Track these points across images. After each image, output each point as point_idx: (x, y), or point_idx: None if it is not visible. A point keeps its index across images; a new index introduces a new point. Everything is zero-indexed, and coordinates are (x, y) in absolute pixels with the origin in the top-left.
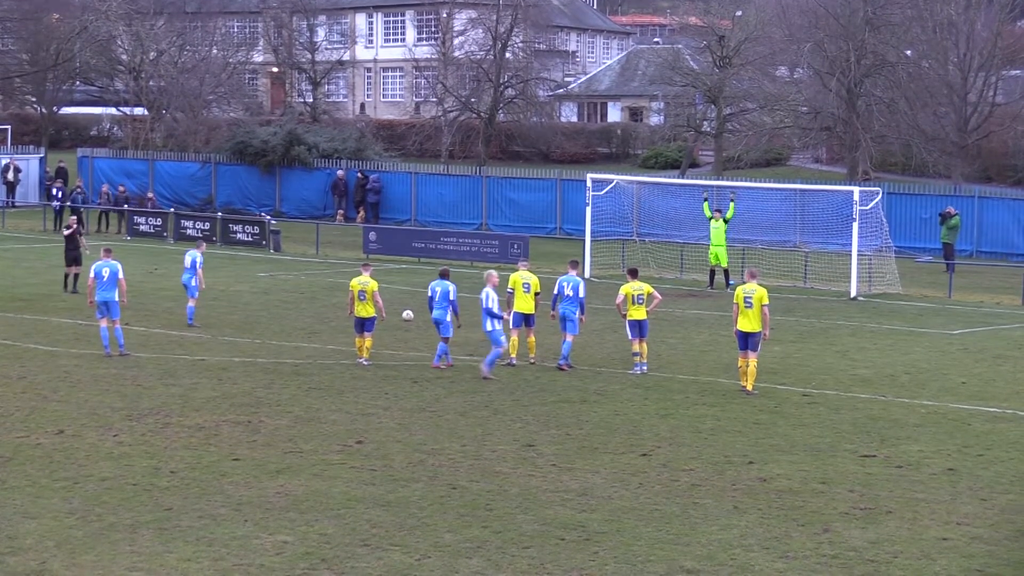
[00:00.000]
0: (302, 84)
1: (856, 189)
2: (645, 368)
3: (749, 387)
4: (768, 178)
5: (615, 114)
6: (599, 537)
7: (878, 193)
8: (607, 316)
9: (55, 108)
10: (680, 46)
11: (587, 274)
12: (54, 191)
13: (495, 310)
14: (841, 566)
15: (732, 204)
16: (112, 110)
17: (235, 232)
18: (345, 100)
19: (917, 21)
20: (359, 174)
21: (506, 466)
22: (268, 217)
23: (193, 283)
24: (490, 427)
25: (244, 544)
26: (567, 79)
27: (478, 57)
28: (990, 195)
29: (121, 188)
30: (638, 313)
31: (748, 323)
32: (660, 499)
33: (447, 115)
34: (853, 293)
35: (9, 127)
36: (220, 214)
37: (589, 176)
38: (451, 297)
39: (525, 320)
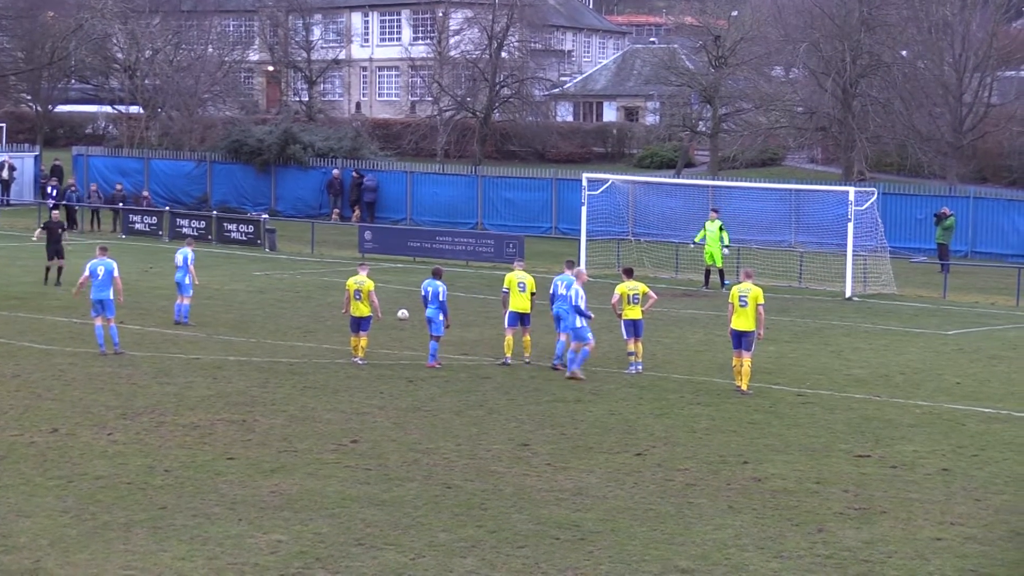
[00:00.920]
0: (298, 83)
1: (851, 189)
2: (640, 368)
3: (744, 387)
4: (763, 178)
5: (611, 114)
6: (594, 536)
7: (873, 193)
8: (602, 316)
9: (50, 106)
10: (676, 46)
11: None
12: (48, 189)
13: (584, 308)
14: (835, 566)
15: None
16: (107, 108)
17: (230, 231)
18: (341, 99)
19: (913, 21)
20: (354, 173)
21: (501, 465)
22: (263, 216)
23: (187, 280)
24: (485, 426)
25: (238, 543)
26: (563, 79)
27: (474, 56)
28: (985, 196)
29: (118, 186)
30: (633, 313)
31: (743, 322)
32: (655, 499)
33: (443, 114)
34: (848, 293)
35: (4, 125)
36: (215, 213)
37: (585, 176)
38: (441, 298)
39: (520, 319)
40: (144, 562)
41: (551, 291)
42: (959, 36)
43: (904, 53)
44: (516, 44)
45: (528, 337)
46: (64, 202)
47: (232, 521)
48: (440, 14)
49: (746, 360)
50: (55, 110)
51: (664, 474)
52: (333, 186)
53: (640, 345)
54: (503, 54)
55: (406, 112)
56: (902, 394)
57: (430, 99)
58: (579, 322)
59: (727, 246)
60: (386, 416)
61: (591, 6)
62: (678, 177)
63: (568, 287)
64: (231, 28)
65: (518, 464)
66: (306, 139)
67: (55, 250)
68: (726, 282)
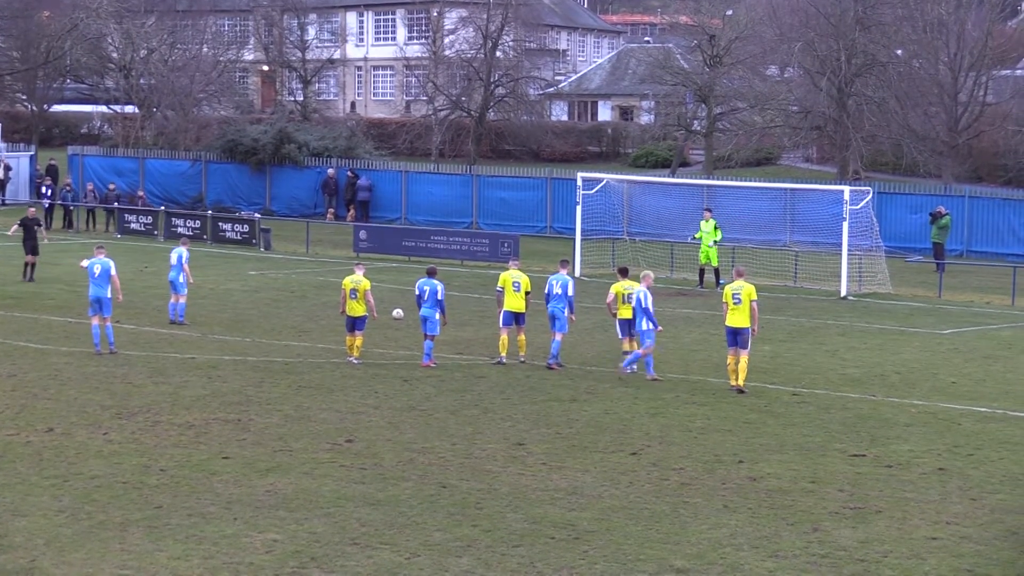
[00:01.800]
0: (292, 82)
1: (846, 188)
2: (635, 367)
3: (741, 384)
4: (758, 178)
5: (605, 113)
6: (589, 536)
7: (868, 192)
8: (597, 315)
9: (45, 106)
10: (671, 45)
11: (577, 273)
12: (43, 189)
13: (652, 310)
14: (831, 565)
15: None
16: (103, 108)
17: (225, 230)
18: (336, 99)
19: (908, 21)
20: (349, 173)
21: (496, 465)
22: (257, 215)
23: (181, 279)
24: (480, 426)
25: (234, 542)
26: (557, 78)
27: (469, 56)
28: (980, 195)
29: (111, 186)
30: (628, 312)
31: (737, 319)
32: (650, 498)
33: (437, 114)
34: (843, 292)
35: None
36: (211, 212)
37: (579, 175)
38: (439, 297)
39: (515, 319)
40: (140, 561)
41: (546, 290)
42: (954, 35)
43: (899, 52)
44: (511, 43)
45: (523, 336)
46: (60, 202)
47: (227, 520)
48: (435, 13)
49: (743, 357)
50: (50, 110)
51: (659, 473)
52: (328, 186)
53: (635, 344)
54: (498, 53)
55: (401, 112)
56: (897, 393)
57: (425, 99)
58: (645, 324)
59: (716, 240)
60: (381, 415)
61: (585, 5)
62: (673, 176)
63: (563, 286)
64: (226, 28)
65: (513, 463)
66: (301, 139)
67: (31, 247)
68: (721, 281)
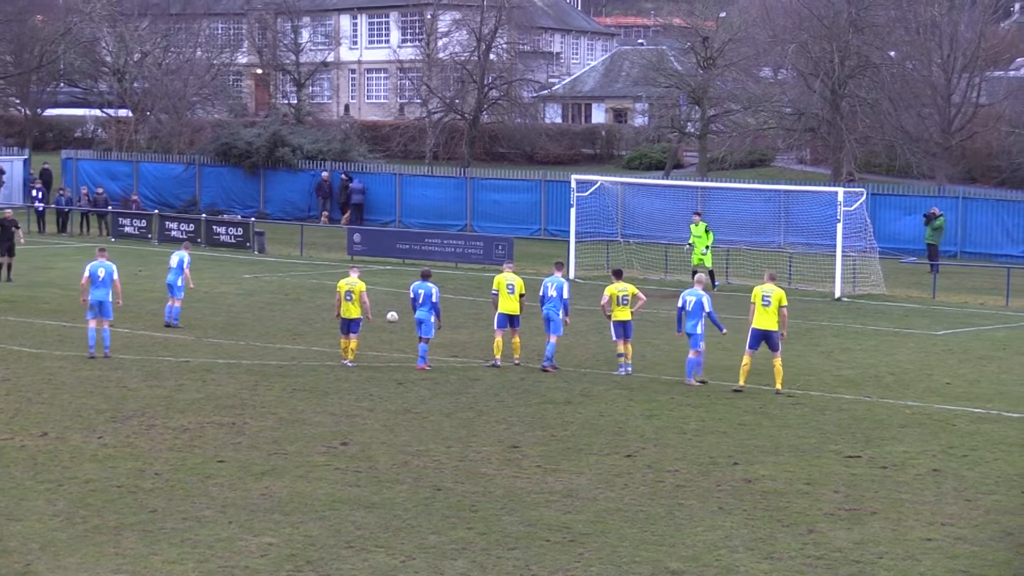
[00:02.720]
0: (286, 85)
1: (840, 190)
2: (630, 369)
3: (778, 386)
4: (752, 179)
5: (599, 115)
6: (584, 538)
7: (862, 194)
8: (591, 317)
9: (39, 110)
10: (664, 47)
11: (572, 275)
12: (34, 193)
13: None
14: (826, 567)
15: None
16: (96, 112)
17: (219, 233)
18: (329, 101)
19: (901, 22)
20: (343, 175)
21: (491, 467)
22: (250, 218)
23: (179, 283)
24: (475, 428)
25: (229, 546)
26: (551, 80)
27: (462, 58)
28: (974, 196)
29: (99, 189)
30: (623, 314)
31: (766, 321)
32: (645, 500)
33: (431, 116)
34: (837, 294)
35: None
36: (204, 215)
37: (573, 177)
38: (434, 299)
39: (510, 321)
40: (134, 565)
41: (541, 293)
42: (947, 37)
43: (892, 54)
44: (504, 46)
45: (517, 339)
46: (53, 206)
47: (222, 524)
48: (428, 16)
49: (776, 360)
50: (44, 113)
51: (654, 475)
52: (322, 188)
53: (630, 346)
54: (491, 56)
55: (395, 114)
56: (892, 395)
57: (419, 101)
58: (699, 328)
59: (708, 246)
60: (376, 418)
61: (579, 8)
62: (667, 178)
63: (558, 288)
64: (220, 31)
65: (508, 466)
66: (295, 141)
67: (6, 248)
68: (716, 283)
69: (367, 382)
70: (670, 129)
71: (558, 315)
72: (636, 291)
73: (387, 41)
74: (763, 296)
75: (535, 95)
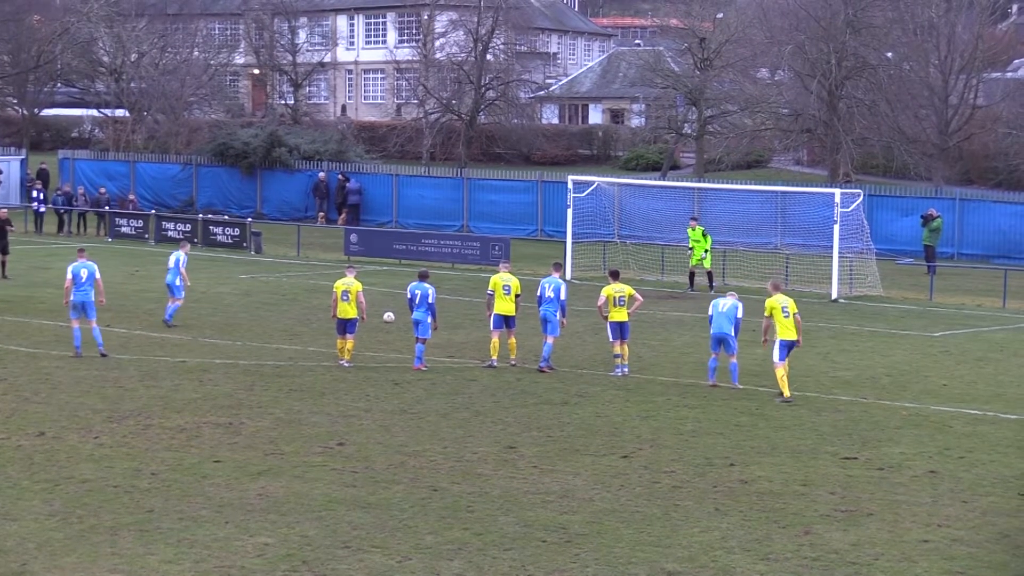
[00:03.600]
0: (283, 86)
1: (837, 191)
2: (626, 370)
3: (787, 393)
4: (749, 180)
5: (596, 116)
6: (580, 539)
7: (859, 195)
8: (588, 318)
9: (36, 110)
10: (661, 48)
11: (568, 276)
12: (34, 193)
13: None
14: (822, 568)
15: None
16: (93, 112)
17: (216, 234)
18: (326, 102)
19: (898, 23)
20: (340, 176)
21: (487, 468)
22: (247, 218)
23: (178, 282)
24: (471, 429)
25: (225, 546)
26: (548, 81)
27: (459, 59)
28: (971, 197)
29: (101, 190)
30: (619, 315)
31: (792, 332)
32: (641, 501)
33: (428, 117)
34: (834, 295)
35: None
36: (201, 216)
37: (570, 178)
38: (430, 300)
39: (505, 322)
40: (131, 565)
41: (538, 293)
42: (944, 38)
43: (889, 55)
44: (501, 46)
45: (514, 339)
46: (52, 206)
47: (219, 524)
48: (425, 16)
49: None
50: (41, 114)
51: (651, 476)
52: (319, 189)
53: (626, 347)
54: (488, 56)
55: (392, 115)
56: (889, 396)
57: (415, 102)
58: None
59: (707, 250)
60: (372, 419)
61: (576, 8)
62: (664, 179)
63: (555, 289)
64: (217, 31)
65: (504, 467)
66: (292, 142)
67: (2, 246)
68: (714, 283)
69: (364, 382)
70: (667, 130)
71: (555, 316)
72: (633, 292)
73: (384, 41)
74: (782, 307)
75: (532, 96)
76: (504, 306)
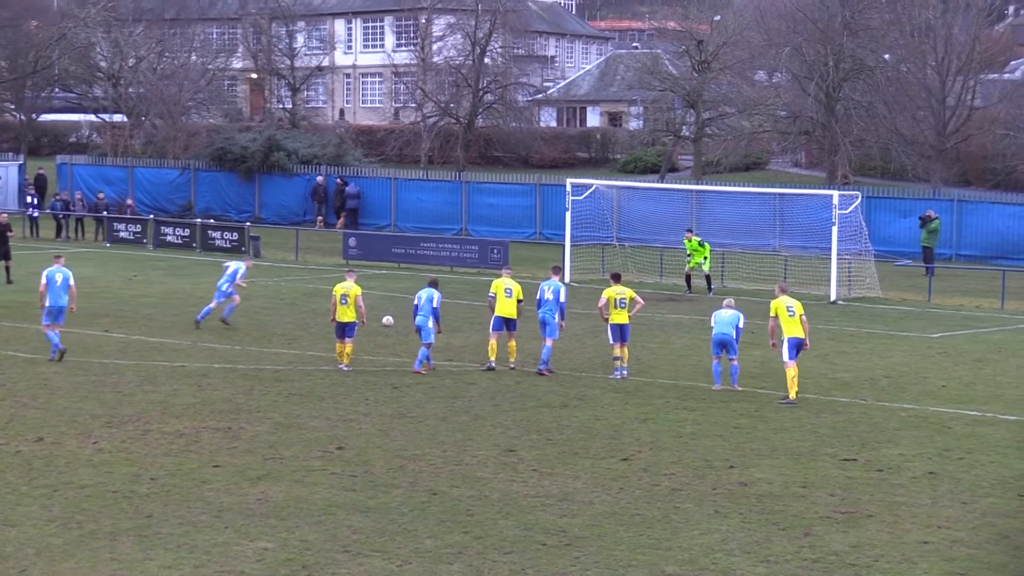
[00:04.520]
0: (281, 90)
1: (835, 193)
2: (625, 372)
3: (792, 395)
4: (747, 182)
5: (594, 119)
6: (580, 542)
7: (857, 197)
8: (587, 321)
9: (34, 115)
10: (659, 51)
11: (567, 279)
12: (28, 199)
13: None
14: (822, 570)
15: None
16: (91, 117)
17: (215, 238)
18: (324, 106)
19: (895, 25)
20: (338, 180)
21: (487, 472)
22: (245, 223)
23: (225, 288)
24: (471, 432)
25: (225, 551)
26: (546, 84)
27: (457, 62)
28: (969, 198)
29: (100, 195)
30: (620, 317)
31: (798, 330)
32: (641, 504)
33: (426, 120)
34: (833, 297)
35: None
36: (200, 220)
37: (569, 181)
38: (435, 304)
39: (506, 324)
40: (130, 571)
41: (537, 296)
42: (941, 39)
43: (887, 57)
44: (499, 50)
45: (513, 343)
46: (49, 211)
47: (218, 529)
48: (423, 20)
49: (794, 368)
50: (39, 119)
51: (650, 479)
52: (317, 193)
53: (626, 350)
54: (486, 60)
55: (390, 118)
56: (888, 397)
57: (413, 105)
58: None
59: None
60: (372, 423)
61: (574, 12)
62: (662, 182)
63: (555, 292)
64: (214, 36)
65: (504, 470)
66: (290, 146)
67: (3, 251)
68: (712, 286)
69: (363, 386)
70: (665, 132)
71: (554, 319)
72: (634, 295)
73: (382, 45)
74: (787, 308)
75: (530, 99)
76: (505, 309)
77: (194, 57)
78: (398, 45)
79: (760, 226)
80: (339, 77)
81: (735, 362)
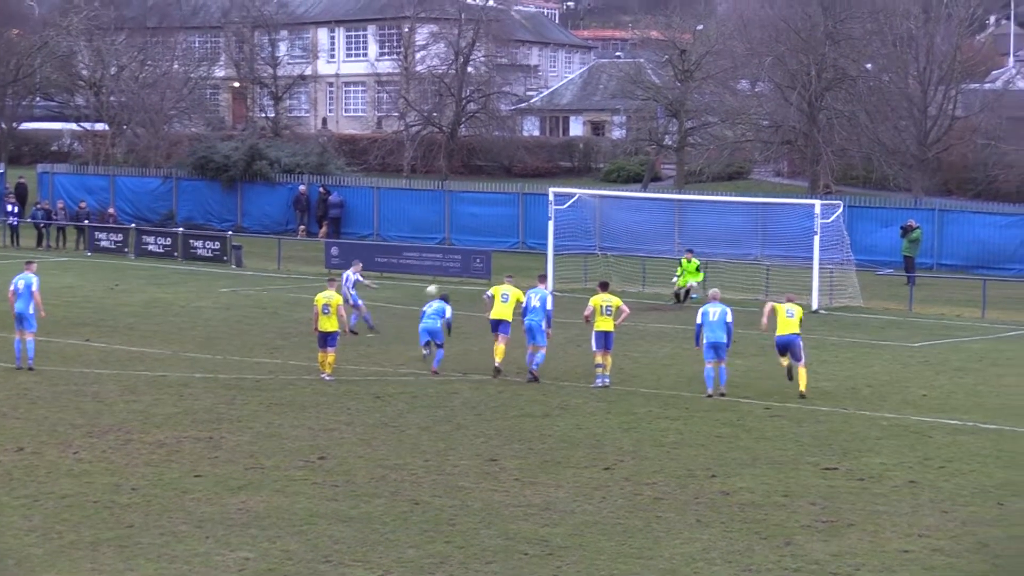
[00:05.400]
0: (264, 99)
1: (817, 202)
2: (607, 381)
3: (803, 390)
4: (730, 192)
5: (577, 128)
6: (562, 552)
7: (839, 206)
8: (570, 330)
9: (15, 124)
10: (642, 60)
11: (550, 288)
12: (8, 207)
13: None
14: None
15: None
16: (73, 125)
17: (196, 247)
18: (307, 115)
19: (877, 35)
20: (321, 189)
21: (469, 481)
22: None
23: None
24: (453, 442)
25: (206, 561)
26: (529, 93)
27: (440, 71)
28: (950, 208)
29: (82, 204)
30: (605, 324)
31: (795, 327)
32: (623, 513)
33: (409, 130)
34: (815, 306)
35: None
36: (181, 229)
37: (551, 190)
38: (447, 315)
39: (500, 326)
40: None
41: (523, 304)
42: (923, 49)
43: (869, 66)
44: (482, 59)
45: (503, 345)
46: (30, 220)
47: (199, 539)
48: (406, 29)
49: (801, 368)
50: (20, 127)
51: (632, 488)
52: (300, 202)
53: (609, 358)
54: (469, 69)
55: (372, 127)
56: (869, 407)
57: (396, 114)
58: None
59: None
60: (353, 432)
61: (557, 21)
62: (645, 191)
63: (541, 299)
64: (197, 44)
65: (486, 479)
66: (272, 155)
67: None
68: (693, 296)
69: (345, 396)
70: (648, 142)
71: (540, 326)
72: (620, 303)
73: (365, 54)
74: (787, 311)
75: (513, 108)
76: (500, 312)
77: (176, 66)
78: (381, 54)
79: (742, 235)
80: (322, 86)
81: (723, 364)
